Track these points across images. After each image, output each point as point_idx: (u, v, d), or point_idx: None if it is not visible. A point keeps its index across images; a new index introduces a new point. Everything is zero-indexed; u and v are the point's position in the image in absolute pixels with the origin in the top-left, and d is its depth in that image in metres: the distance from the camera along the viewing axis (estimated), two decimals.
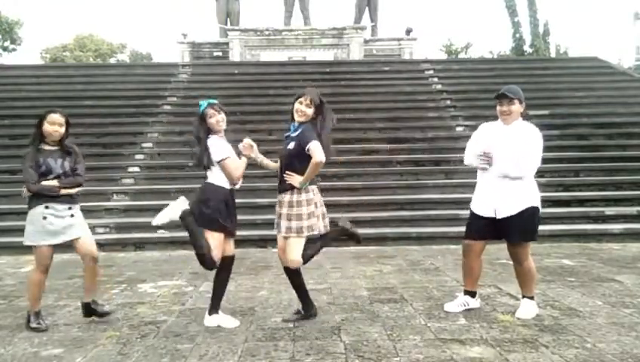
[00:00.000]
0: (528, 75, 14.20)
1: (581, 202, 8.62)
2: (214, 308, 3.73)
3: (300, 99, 3.62)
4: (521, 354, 3.06)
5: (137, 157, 10.43)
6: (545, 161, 11.63)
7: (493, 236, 3.85)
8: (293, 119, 3.66)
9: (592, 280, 5.02)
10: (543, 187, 9.05)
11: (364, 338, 3.39)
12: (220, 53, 19.61)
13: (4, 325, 3.84)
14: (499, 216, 3.71)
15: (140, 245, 7.45)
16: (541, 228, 7.78)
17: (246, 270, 5.75)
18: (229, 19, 20.70)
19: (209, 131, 3.61)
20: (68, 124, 3.79)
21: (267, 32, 19.08)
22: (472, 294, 4.00)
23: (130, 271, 5.79)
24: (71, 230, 3.71)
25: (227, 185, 3.63)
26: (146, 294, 4.76)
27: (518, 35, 24.07)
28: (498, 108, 3.74)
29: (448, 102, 12.50)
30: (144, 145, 10.85)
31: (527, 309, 3.82)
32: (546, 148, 12.09)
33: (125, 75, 14.82)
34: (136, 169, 10.06)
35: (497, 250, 7.07)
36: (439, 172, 9.55)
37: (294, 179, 3.54)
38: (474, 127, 4.23)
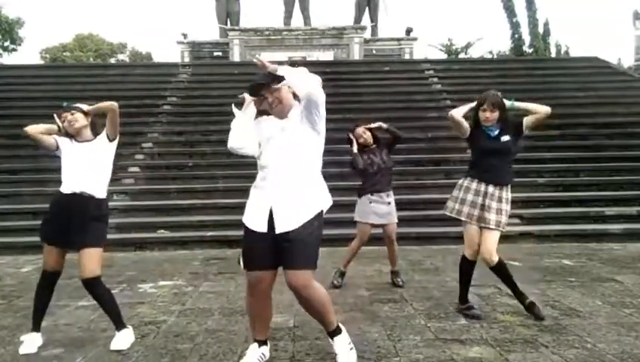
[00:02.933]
0: (528, 75, 14.19)
1: (581, 202, 8.61)
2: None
3: (482, 107, 3.73)
4: (521, 354, 3.06)
5: (137, 157, 10.41)
6: (545, 160, 11.49)
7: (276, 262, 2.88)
8: (477, 126, 3.79)
9: (592, 280, 5.02)
10: (542, 187, 9.21)
11: (364, 338, 3.39)
12: (220, 53, 19.64)
13: (4, 325, 3.84)
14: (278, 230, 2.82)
15: (140, 245, 7.44)
16: (541, 228, 7.86)
17: None
18: (229, 20, 20.72)
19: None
20: None
21: (267, 32, 19.09)
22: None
23: (130, 271, 5.79)
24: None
25: None
26: (146, 294, 4.76)
27: (517, 36, 24.02)
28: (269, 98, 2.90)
29: (448, 102, 12.48)
30: (144, 145, 10.83)
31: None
32: (546, 148, 12.02)
33: (125, 75, 14.81)
34: (136, 169, 10.05)
35: (498, 250, 7.06)
36: (439, 172, 9.53)
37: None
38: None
